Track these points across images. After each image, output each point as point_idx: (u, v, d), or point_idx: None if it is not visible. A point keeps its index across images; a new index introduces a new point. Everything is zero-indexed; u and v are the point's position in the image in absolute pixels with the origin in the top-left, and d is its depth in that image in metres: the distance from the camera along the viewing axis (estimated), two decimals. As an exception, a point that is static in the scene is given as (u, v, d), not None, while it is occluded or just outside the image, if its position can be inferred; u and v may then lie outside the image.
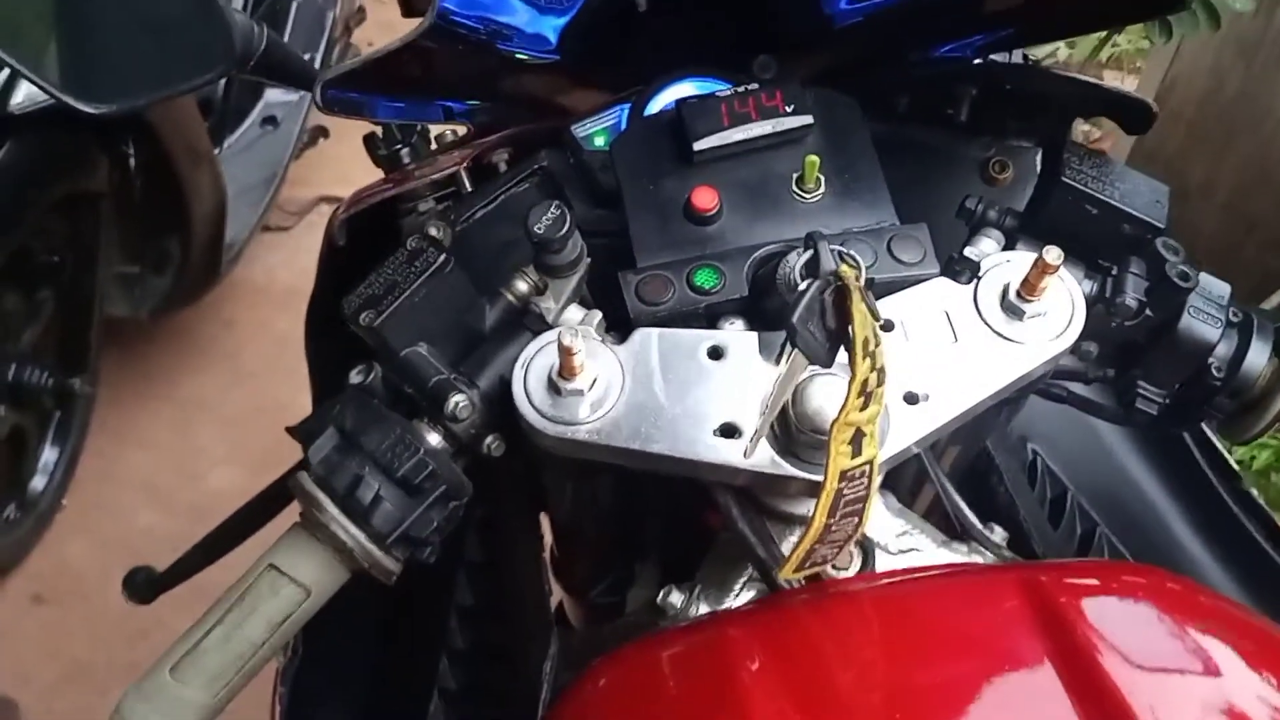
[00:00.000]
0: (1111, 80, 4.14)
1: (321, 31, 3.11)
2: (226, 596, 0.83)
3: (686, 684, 0.72)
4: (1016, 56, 1.13)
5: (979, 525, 0.89)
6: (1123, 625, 0.72)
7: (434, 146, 1.11)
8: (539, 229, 0.82)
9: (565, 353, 0.78)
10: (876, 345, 0.71)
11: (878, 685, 0.70)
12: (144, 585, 0.95)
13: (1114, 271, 0.91)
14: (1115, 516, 1.14)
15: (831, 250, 0.73)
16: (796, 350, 0.69)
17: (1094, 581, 0.76)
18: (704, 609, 0.84)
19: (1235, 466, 1.12)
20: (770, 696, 0.68)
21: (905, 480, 1.03)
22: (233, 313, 3.20)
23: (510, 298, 0.90)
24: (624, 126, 1.09)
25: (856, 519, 0.76)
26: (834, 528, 0.74)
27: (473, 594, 1.06)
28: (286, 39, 3.01)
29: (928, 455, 0.96)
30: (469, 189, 1.04)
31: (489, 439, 0.87)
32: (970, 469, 1.14)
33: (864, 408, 0.71)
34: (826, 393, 0.78)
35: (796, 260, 0.80)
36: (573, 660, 0.92)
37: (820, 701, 0.69)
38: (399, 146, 1.08)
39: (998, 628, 0.72)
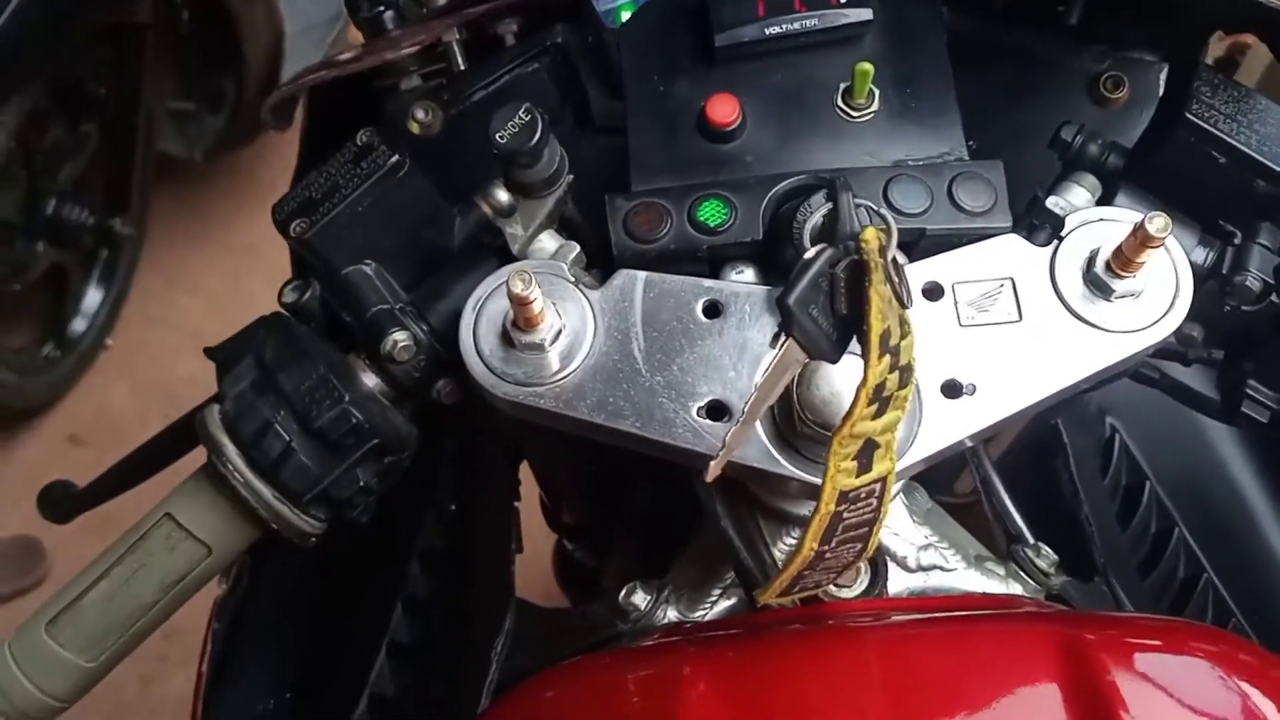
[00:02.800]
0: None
1: None
2: (119, 544, 0.71)
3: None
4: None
5: (1025, 544, 0.73)
6: (1175, 710, 0.56)
7: (425, 10, 0.93)
8: (502, 137, 0.66)
9: (517, 302, 0.62)
10: (902, 338, 0.54)
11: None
12: (60, 503, 0.84)
13: (1237, 240, 0.72)
14: (1199, 516, 0.96)
15: (858, 207, 0.55)
16: (791, 340, 0.53)
17: (1149, 652, 0.59)
18: (672, 615, 0.70)
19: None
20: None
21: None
22: (294, 156, 3.07)
23: (486, 209, 0.74)
24: None
25: (860, 545, 0.60)
26: (829, 554, 0.59)
27: (443, 538, 0.94)
28: None
29: (978, 447, 0.80)
30: (461, 65, 0.87)
31: (440, 383, 0.72)
32: (1034, 444, 0.96)
33: (878, 415, 0.55)
34: (843, 377, 0.62)
35: (821, 205, 0.63)
36: (525, 644, 0.79)
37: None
38: (381, 9, 0.90)
39: (1020, 703, 0.56)
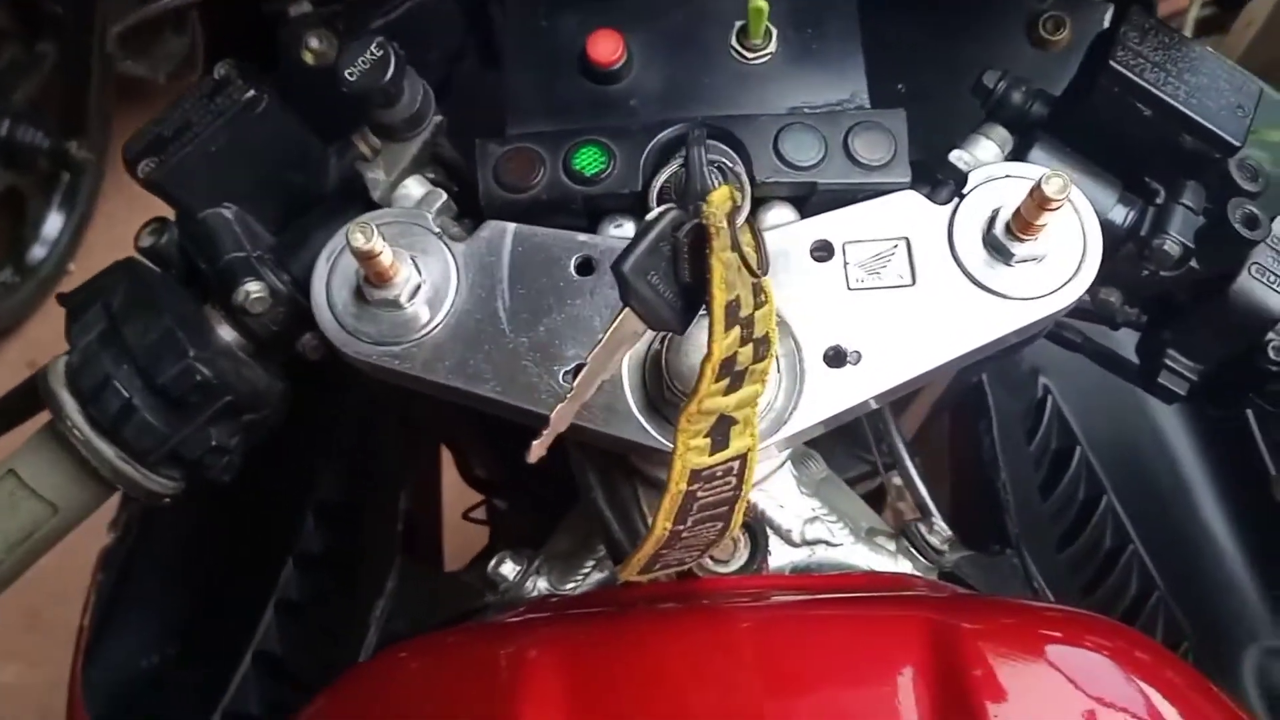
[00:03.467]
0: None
1: None
2: (-39, 503, 0.67)
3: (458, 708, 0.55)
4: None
5: (918, 520, 0.69)
6: (1049, 704, 0.53)
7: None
8: (352, 75, 0.61)
9: (361, 256, 0.58)
10: (756, 309, 0.50)
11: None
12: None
13: (1160, 199, 0.66)
14: (1130, 484, 0.92)
15: (712, 164, 0.50)
16: (627, 310, 0.48)
17: (1030, 642, 0.55)
18: (542, 586, 0.67)
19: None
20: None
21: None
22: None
23: (363, 149, 0.69)
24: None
25: (721, 523, 0.56)
26: (686, 533, 0.55)
27: (340, 491, 0.90)
28: None
29: (885, 413, 0.75)
30: (355, -10, 0.81)
31: (305, 337, 0.68)
32: (959, 407, 0.92)
33: (731, 390, 0.51)
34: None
35: (689, 146, 0.58)
36: (408, 607, 0.76)
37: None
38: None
39: (874, 694, 0.53)
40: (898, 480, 0.93)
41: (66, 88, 2.31)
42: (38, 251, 2.41)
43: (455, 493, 1.15)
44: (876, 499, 1.08)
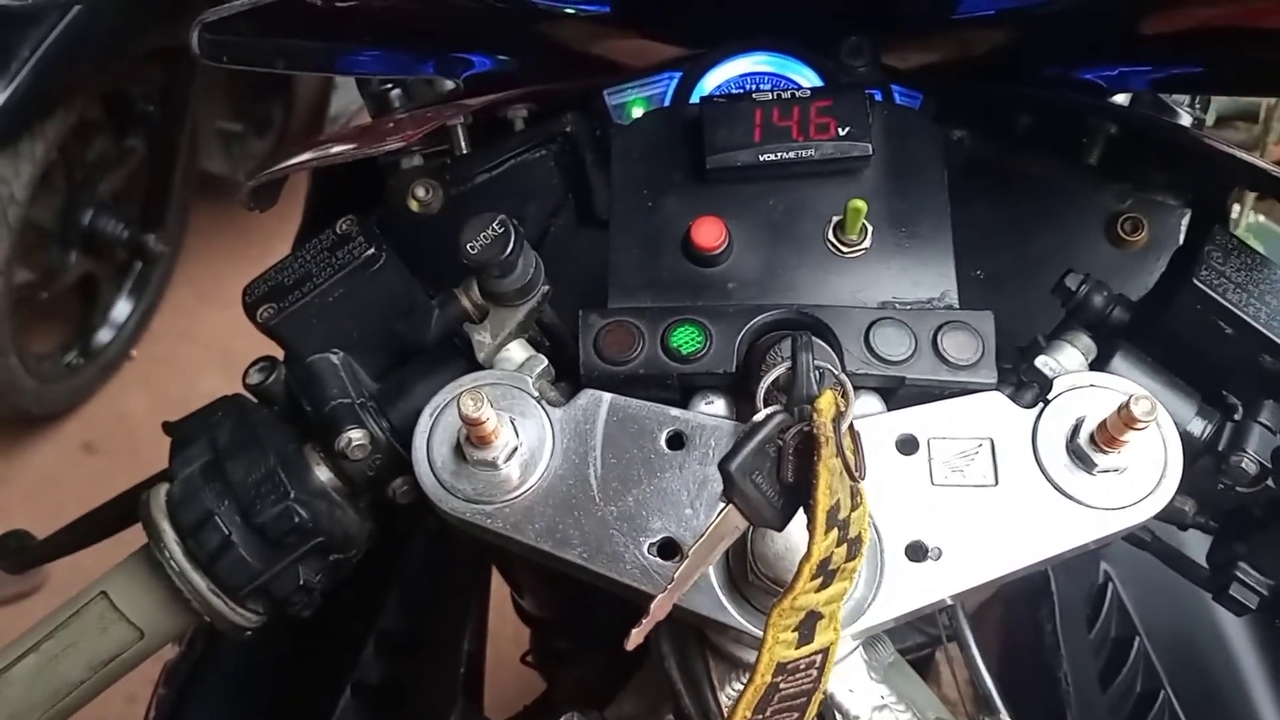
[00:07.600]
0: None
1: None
2: (52, 617, 0.69)
3: None
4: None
5: (984, 713, 0.69)
6: None
7: (435, 91, 0.92)
8: (473, 248, 0.64)
9: (468, 421, 0.60)
10: (853, 510, 0.51)
11: None
12: (15, 553, 0.83)
13: (1238, 415, 0.68)
14: (1189, 680, 0.91)
15: (818, 368, 0.53)
16: (731, 506, 0.50)
17: None
18: (608, 751, 0.67)
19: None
20: None
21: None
22: (338, 183, 3.09)
23: (465, 303, 0.72)
24: (669, 101, 0.89)
25: (797, 714, 0.57)
26: (763, 722, 0.56)
27: (402, 621, 0.91)
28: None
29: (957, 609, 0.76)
30: (464, 149, 0.85)
31: (397, 482, 0.70)
32: (1021, 588, 0.93)
33: (822, 587, 0.52)
34: (800, 533, 0.58)
35: (796, 351, 0.60)
36: (465, 753, 0.76)
37: None
38: (389, 87, 0.89)
39: None
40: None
41: (150, 182, 2.40)
42: (103, 336, 2.48)
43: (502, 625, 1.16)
44: (925, 664, 1.08)
